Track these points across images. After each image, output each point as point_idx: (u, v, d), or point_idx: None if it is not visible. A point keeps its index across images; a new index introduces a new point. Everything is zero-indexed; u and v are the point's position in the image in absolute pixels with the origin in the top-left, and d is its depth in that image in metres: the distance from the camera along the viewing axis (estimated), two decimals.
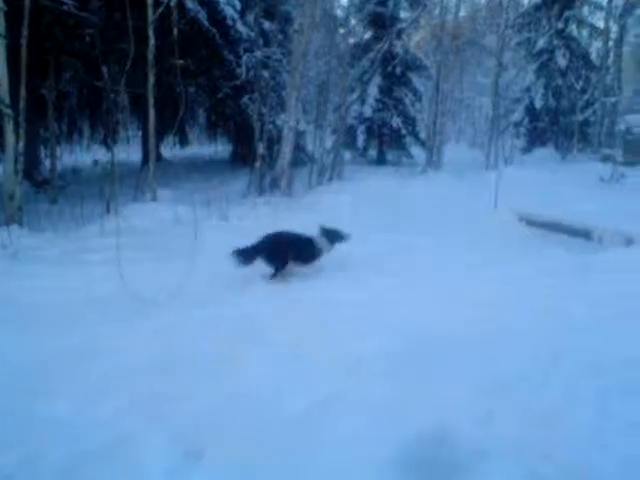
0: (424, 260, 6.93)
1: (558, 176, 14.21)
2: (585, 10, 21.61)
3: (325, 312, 4.76)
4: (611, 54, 21.15)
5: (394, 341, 4.15)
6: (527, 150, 19.52)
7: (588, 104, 19.42)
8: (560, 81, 19.38)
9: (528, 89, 19.99)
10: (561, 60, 19.32)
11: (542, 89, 19.54)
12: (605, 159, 16.34)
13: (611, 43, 21.24)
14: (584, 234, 8.26)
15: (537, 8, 20.61)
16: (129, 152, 17.04)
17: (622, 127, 17.37)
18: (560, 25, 19.80)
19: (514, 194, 10.81)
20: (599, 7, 21.76)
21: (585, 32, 21.54)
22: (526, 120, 19.94)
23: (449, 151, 17.04)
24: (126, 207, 9.41)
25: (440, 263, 6.77)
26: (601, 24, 21.86)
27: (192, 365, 3.73)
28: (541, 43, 19.87)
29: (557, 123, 19.48)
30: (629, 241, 7.52)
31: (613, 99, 19.37)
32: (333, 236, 6.81)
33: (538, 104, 19.36)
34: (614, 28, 21.63)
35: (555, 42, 19.63)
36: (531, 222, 9.22)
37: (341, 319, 4.60)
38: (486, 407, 3.39)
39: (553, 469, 2.86)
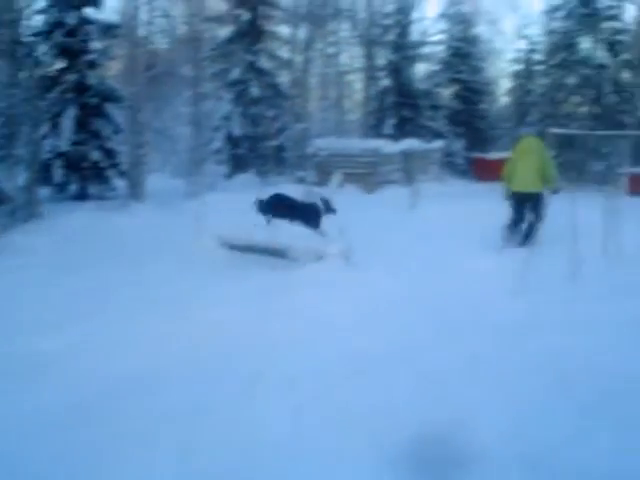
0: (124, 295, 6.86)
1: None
2: (275, 44, 23.02)
3: None
4: (299, 84, 22.78)
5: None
6: (230, 176, 20.13)
7: (281, 130, 20.74)
8: (255, 110, 20.40)
9: (227, 118, 20.70)
10: (255, 90, 20.35)
11: (239, 118, 20.37)
12: (299, 181, 17.57)
13: (298, 74, 22.90)
14: (282, 253, 8.75)
15: (230, 41, 21.48)
16: None
17: (311, 150, 18.82)
18: (252, 58, 20.85)
19: (219, 220, 11.06)
20: (285, 42, 23.41)
21: (274, 64, 22.84)
22: (227, 147, 20.63)
23: (153, 182, 16.89)
24: None
25: (140, 297, 6.73)
26: (288, 56, 23.52)
27: None
28: (235, 74, 20.71)
29: (256, 149, 20.40)
30: (319, 257, 8.15)
31: (302, 125, 20.86)
32: (327, 206, 9.19)
33: (237, 132, 20.14)
34: (300, 60, 23.40)
35: (248, 74, 20.62)
36: (233, 246, 9.52)
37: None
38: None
39: None
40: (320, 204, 9.27)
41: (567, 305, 5.62)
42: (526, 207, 9.74)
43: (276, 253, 8.90)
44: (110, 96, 17.18)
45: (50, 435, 3.54)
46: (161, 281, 7.60)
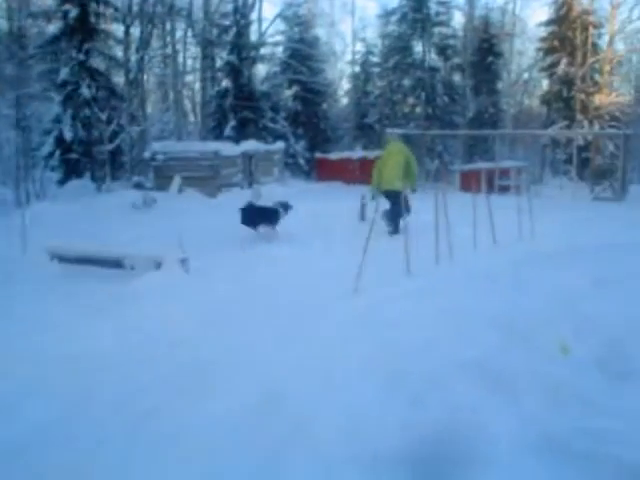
0: None
1: (95, 207, 14.19)
2: (108, 42, 22.01)
3: None
4: (135, 85, 22.01)
5: None
6: (62, 183, 18.87)
7: (117, 133, 19.79)
8: (88, 112, 19.27)
9: (57, 120, 19.43)
10: (86, 91, 19.21)
11: (70, 120, 19.15)
12: (137, 186, 16.90)
13: (134, 74, 22.13)
14: (117, 263, 8.27)
15: (58, 38, 20.12)
16: None
17: (148, 154, 18.17)
18: (82, 57, 19.69)
19: (49, 231, 10.41)
20: (119, 41, 22.49)
21: (108, 63, 21.88)
22: (58, 152, 19.34)
23: None
24: None
25: None
26: (122, 56, 22.63)
27: None
28: (65, 74, 19.46)
29: (90, 154, 19.31)
30: (158, 264, 7.78)
31: (139, 128, 20.11)
32: (285, 206, 10.67)
33: (68, 135, 18.88)
34: (135, 60, 22.63)
35: (79, 73, 19.47)
36: (63, 258, 8.89)
37: None
38: None
39: None
40: (280, 207, 10.61)
41: (401, 300, 5.71)
42: (393, 203, 10.28)
43: (112, 263, 8.40)
44: None
45: None
46: None
